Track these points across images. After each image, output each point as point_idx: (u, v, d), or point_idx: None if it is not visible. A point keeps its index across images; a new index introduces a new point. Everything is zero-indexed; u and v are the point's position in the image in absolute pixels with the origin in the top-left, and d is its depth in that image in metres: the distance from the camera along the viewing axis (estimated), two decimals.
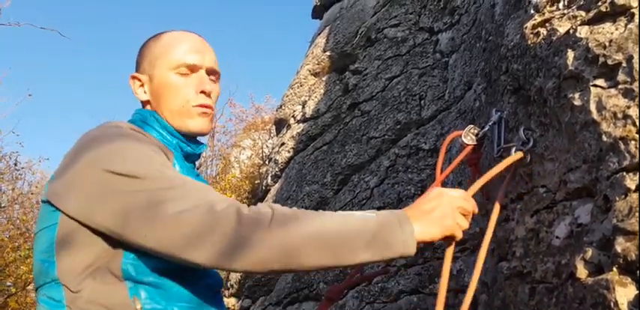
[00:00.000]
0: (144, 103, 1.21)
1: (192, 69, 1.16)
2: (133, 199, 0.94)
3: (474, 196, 1.12)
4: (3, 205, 9.18)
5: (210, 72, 1.20)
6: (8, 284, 8.08)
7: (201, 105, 1.16)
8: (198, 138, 1.24)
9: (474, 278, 1.18)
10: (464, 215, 1.05)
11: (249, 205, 0.96)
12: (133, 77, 1.20)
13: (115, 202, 0.95)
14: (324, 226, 0.95)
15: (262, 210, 0.95)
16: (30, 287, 7.77)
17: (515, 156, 1.32)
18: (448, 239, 1.07)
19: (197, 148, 1.21)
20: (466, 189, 1.16)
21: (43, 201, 1.04)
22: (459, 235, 1.05)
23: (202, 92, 1.16)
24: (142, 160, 0.98)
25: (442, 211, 1.01)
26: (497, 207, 1.30)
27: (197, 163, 1.31)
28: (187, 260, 0.93)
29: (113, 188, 0.95)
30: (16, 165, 9.48)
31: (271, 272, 0.96)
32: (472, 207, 1.07)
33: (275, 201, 4.76)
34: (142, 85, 1.20)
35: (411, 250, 0.97)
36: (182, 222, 0.91)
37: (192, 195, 0.94)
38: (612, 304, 0.97)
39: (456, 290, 2.13)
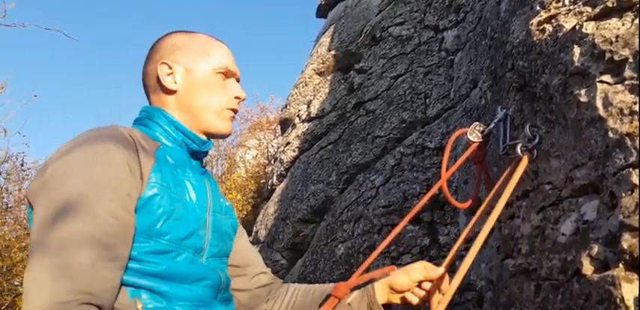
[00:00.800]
0: (168, 91, 1.19)
1: (229, 74, 1.24)
2: (33, 239, 0.95)
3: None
4: (10, 205, 9.22)
5: (238, 80, 1.28)
6: (16, 283, 8.12)
7: (233, 110, 1.24)
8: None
9: (464, 266, 1.14)
10: None
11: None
12: (164, 63, 1.19)
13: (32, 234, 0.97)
14: None
15: None
16: None
17: (522, 164, 1.31)
18: None
19: (203, 146, 1.21)
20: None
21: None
22: None
23: (237, 98, 1.24)
24: (78, 195, 0.96)
25: None
26: (499, 205, 1.27)
27: (204, 161, 1.31)
28: None
29: (39, 217, 0.97)
30: (22, 165, 9.51)
31: None
32: None
33: (281, 200, 4.77)
34: (171, 74, 1.20)
35: None
36: (29, 292, 0.90)
37: (60, 275, 0.90)
38: (618, 300, 0.97)
39: (461, 288, 2.13)
